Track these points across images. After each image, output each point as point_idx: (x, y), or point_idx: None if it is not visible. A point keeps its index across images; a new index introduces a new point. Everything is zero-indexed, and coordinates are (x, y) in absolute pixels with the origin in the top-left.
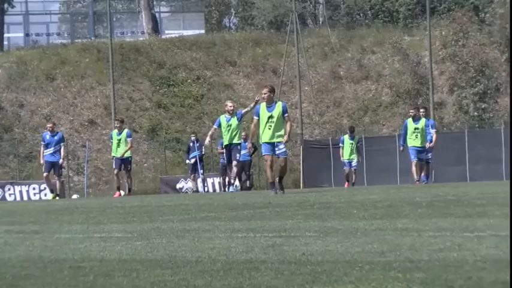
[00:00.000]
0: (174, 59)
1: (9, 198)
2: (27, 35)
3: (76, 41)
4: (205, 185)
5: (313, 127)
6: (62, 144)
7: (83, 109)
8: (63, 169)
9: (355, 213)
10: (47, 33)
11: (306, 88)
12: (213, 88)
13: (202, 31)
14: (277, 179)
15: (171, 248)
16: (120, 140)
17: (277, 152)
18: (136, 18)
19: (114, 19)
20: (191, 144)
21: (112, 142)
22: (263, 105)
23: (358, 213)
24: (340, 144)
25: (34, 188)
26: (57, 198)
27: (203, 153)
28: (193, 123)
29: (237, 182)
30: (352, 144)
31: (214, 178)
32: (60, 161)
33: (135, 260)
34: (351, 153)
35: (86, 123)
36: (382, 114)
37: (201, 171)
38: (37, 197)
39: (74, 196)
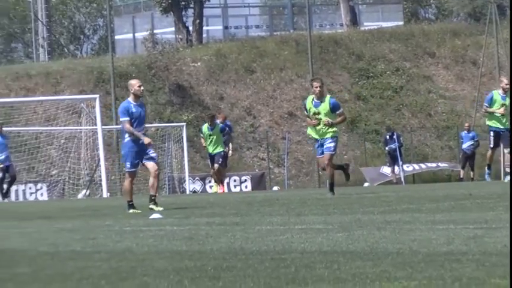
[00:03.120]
0: (372, 51)
1: (210, 190)
2: (225, 27)
3: (275, 33)
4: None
5: None
6: (224, 134)
7: (282, 101)
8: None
9: None
10: (245, 25)
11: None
12: (412, 80)
13: (401, 22)
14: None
15: (371, 240)
16: (212, 135)
17: (324, 147)
18: (334, 10)
19: (313, 11)
20: (387, 137)
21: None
22: (310, 98)
23: None
24: None
25: (235, 180)
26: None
27: (402, 144)
28: (393, 115)
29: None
30: None
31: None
32: (230, 152)
33: (335, 251)
34: None
35: (286, 116)
36: None
37: (401, 162)
38: (237, 189)
39: (275, 188)
